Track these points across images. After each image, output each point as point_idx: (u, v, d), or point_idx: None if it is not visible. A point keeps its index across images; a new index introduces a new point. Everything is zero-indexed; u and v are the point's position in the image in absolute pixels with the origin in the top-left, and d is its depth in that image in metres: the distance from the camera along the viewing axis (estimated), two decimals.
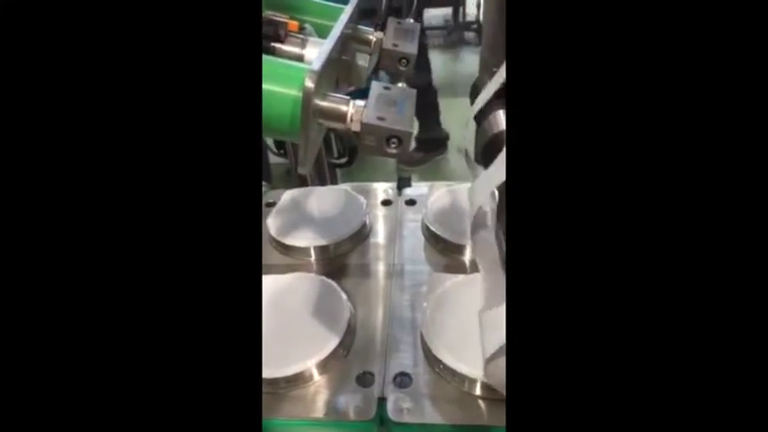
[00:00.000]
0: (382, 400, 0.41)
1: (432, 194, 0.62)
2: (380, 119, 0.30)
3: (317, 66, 0.29)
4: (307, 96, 0.29)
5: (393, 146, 0.30)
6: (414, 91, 0.34)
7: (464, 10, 3.32)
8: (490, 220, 0.36)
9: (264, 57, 0.31)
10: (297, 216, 0.61)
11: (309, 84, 0.28)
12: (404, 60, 0.43)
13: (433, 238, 0.57)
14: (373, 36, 0.44)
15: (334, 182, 1.07)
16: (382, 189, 0.67)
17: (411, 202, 0.64)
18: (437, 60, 2.59)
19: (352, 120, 0.31)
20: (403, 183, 0.69)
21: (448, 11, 3.36)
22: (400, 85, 0.35)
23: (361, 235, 0.58)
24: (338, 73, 0.38)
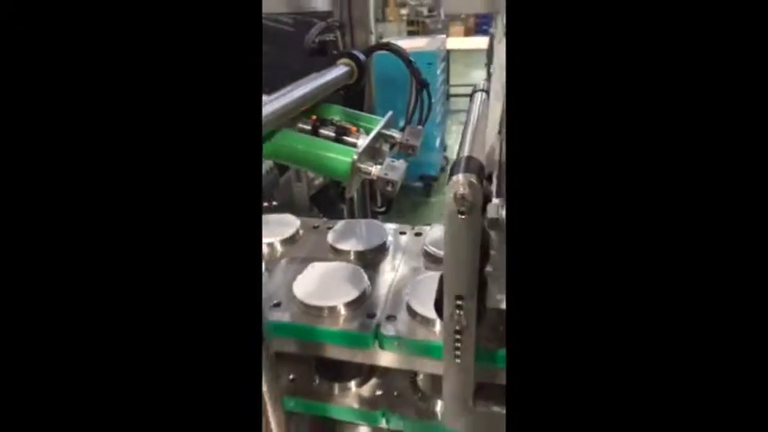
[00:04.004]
0: (379, 328, 0.75)
1: (430, 230, 0.98)
2: (385, 174, 0.67)
3: (360, 149, 0.67)
4: (353, 162, 0.66)
5: (389, 186, 0.67)
6: (405, 163, 0.70)
7: None
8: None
9: (337, 144, 0.69)
10: (346, 234, 0.98)
11: (355, 157, 0.66)
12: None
13: (426, 255, 0.91)
14: (395, 134, 0.81)
15: None
16: (401, 227, 1.04)
17: (418, 234, 0.99)
18: None
19: (374, 173, 0.68)
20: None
21: None
22: (401, 160, 0.72)
23: (383, 248, 0.94)
24: (373, 152, 0.76)
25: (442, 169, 3.78)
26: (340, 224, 1.01)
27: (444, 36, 4.13)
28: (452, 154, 3.55)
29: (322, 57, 1.10)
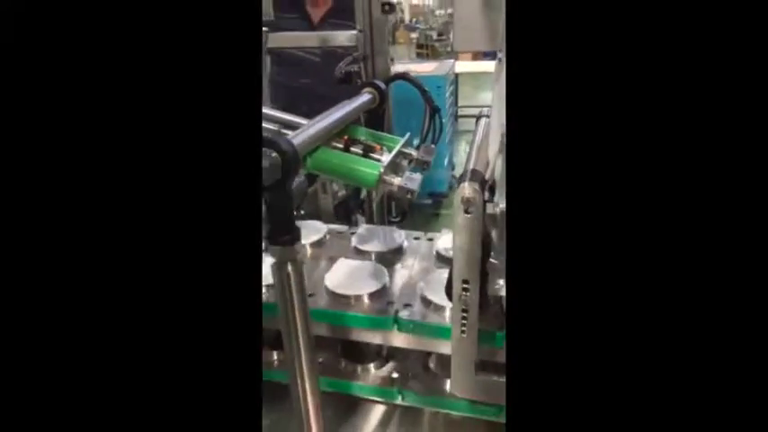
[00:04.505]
0: (397, 313, 0.88)
1: (440, 236, 1.12)
2: (405, 184, 0.81)
3: (384, 164, 0.82)
4: (380, 174, 0.81)
5: (409, 194, 0.81)
6: (420, 176, 0.85)
7: None
8: None
9: (365, 159, 0.84)
10: (367, 238, 1.12)
11: (381, 170, 0.80)
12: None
13: (437, 256, 1.06)
14: (412, 152, 0.96)
15: None
16: (415, 233, 1.18)
17: (430, 239, 1.13)
18: None
19: (396, 183, 0.83)
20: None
21: None
22: (417, 173, 0.86)
23: (400, 250, 1.08)
24: (395, 166, 0.91)
25: (451, 187, 3.93)
26: (362, 229, 1.16)
27: (453, 60, 4.31)
28: (460, 172, 3.70)
29: (347, 84, 1.27)
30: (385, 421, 0.95)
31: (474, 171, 0.68)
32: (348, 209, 1.51)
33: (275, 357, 1.02)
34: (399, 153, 0.92)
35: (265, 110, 0.96)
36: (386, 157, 0.88)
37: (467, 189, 0.63)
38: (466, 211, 0.63)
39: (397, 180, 0.82)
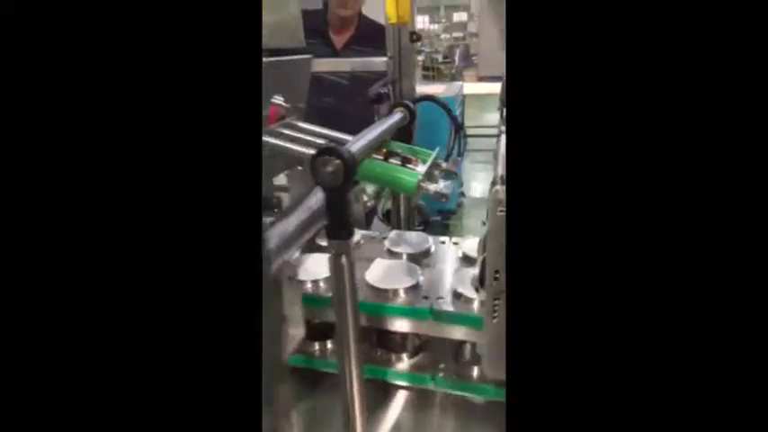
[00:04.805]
0: (432, 305, 1.00)
1: (464, 240, 1.24)
2: (440, 189, 0.94)
3: (421, 173, 0.94)
4: (419, 181, 0.93)
5: (443, 198, 0.94)
6: (451, 183, 0.97)
7: None
8: None
9: (404, 168, 0.97)
10: (398, 241, 1.24)
11: (420, 177, 0.93)
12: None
13: (463, 257, 1.17)
14: (441, 163, 1.09)
15: None
16: (441, 237, 1.30)
17: (455, 243, 1.25)
18: None
19: (432, 189, 0.95)
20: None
21: None
22: (449, 181, 0.99)
23: (428, 252, 1.20)
24: (430, 174, 1.03)
25: (459, 205, 4.06)
26: (393, 234, 1.28)
27: (461, 83, 4.48)
28: (468, 190, 3.83)
29: (378, 104, 1.40)
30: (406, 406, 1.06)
31: (503, 177, 0.80)
32: (370, 217, 1.63)
33: (316, 347, 1.13)
34: (433, 164, 1.04)
35: (312, 127, 1.10)
36: (421, 168, 1.01)
37: (500, 192, 0.75)
38: (500, 211, 0.75)
39: (432, 186, 0.94)
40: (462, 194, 4.22)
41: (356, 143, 0.88)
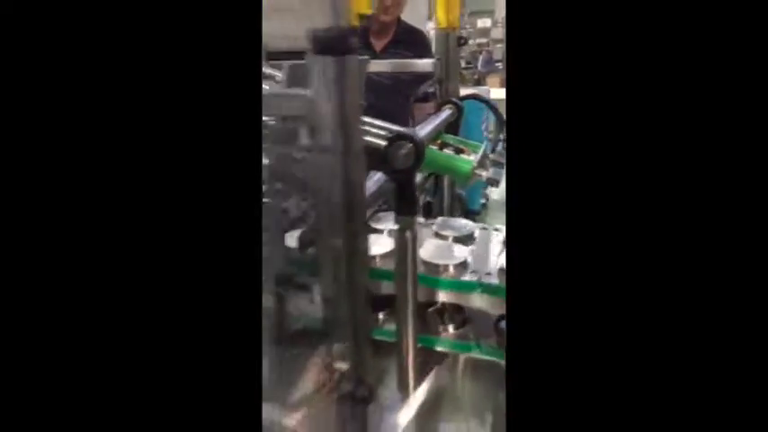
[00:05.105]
0: (480, 279, 1.12)
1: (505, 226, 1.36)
2: (492, 175, 1.06)
3: (474, 162, 1.07)
4: (474, 167, 1.06)
5: (495, 184, 1.06)
6: (501, 171, 1.10)
7: None
8: None
9: (459, 156, 1.10)
10: (445, 226, 1.37)
11: (475, 164, 1.05)
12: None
13: (504, 242, 1.30)
14: (490, 154, 1.21)
15: None
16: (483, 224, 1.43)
17: (496, 229, 1.37)
18: None
19: (485, 175, 1.07)
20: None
21: None
22: (498, 168, 1.11)
23: (472, 236, 1.33)
24: (482, 163, 1.16)
25: (484, 205, 4.15)
26: (440, 219, 1.41)
27: (488, 87, 4.60)
28: (491, 192, 3.88)
29: (424, 103, 1.54)
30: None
31: None
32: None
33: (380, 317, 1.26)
34: (484, 155, 1.17)
35: (376, 121, 1.23)
36: (474, 157, 1.13)
37: None
38: None
39: (485, 173, 1.07)
40: (486, 196, 4.31)
41: (422, 131, 1.01)
